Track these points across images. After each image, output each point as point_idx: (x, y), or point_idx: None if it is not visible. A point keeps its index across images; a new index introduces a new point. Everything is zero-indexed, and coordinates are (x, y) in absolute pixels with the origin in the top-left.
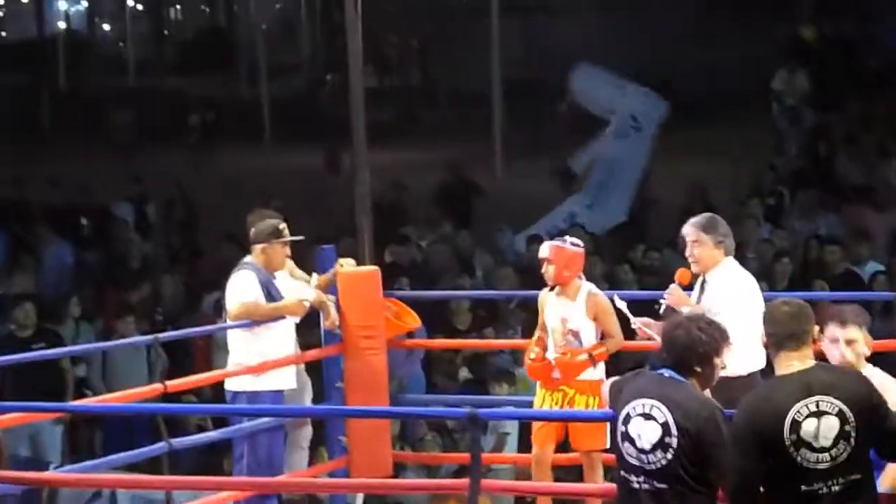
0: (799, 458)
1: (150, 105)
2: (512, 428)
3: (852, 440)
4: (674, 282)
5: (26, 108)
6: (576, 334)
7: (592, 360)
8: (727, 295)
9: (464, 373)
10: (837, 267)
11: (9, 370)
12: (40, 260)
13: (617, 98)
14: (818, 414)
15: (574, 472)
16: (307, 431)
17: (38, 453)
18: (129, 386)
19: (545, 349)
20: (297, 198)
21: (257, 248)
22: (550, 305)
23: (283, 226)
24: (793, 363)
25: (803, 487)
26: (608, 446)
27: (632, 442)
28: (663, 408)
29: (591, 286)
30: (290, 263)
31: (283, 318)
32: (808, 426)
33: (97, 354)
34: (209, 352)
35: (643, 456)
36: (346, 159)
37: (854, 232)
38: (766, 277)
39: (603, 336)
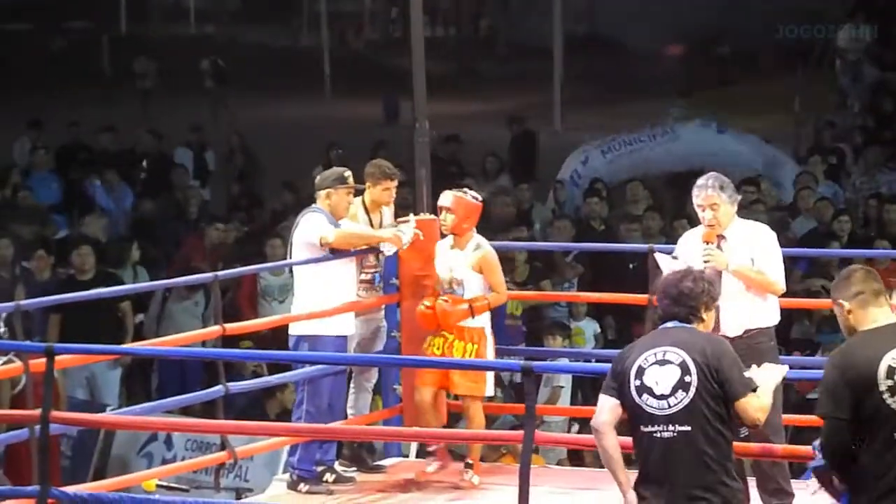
0: (893, 404)
1: (207, 53)
2: (566, 381)
3: None
4: (707, 243)
5: (87, 54)
6: (459, 283)
7: (472, 311)
8: (768, 249)
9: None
10: None
11: (69, 313)
12: (101, 204)
13: None
14: None
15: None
16: (373, 375)
17: (96, 396)
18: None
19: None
20: (356, 148)
21: (322, 194)
22: (442, 255)
23: (348, 173)
24: (880, 318)
25: (895, 435)
26: (488, 394)
27: (650, 392)
28: (678, 350)
29: (481, 239)
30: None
31: (377, 247)
32: None
33: (155, 305)
34: (255, 302)
35: (663, 401)
36: (405, 110)
37: None
38: (825, 235)
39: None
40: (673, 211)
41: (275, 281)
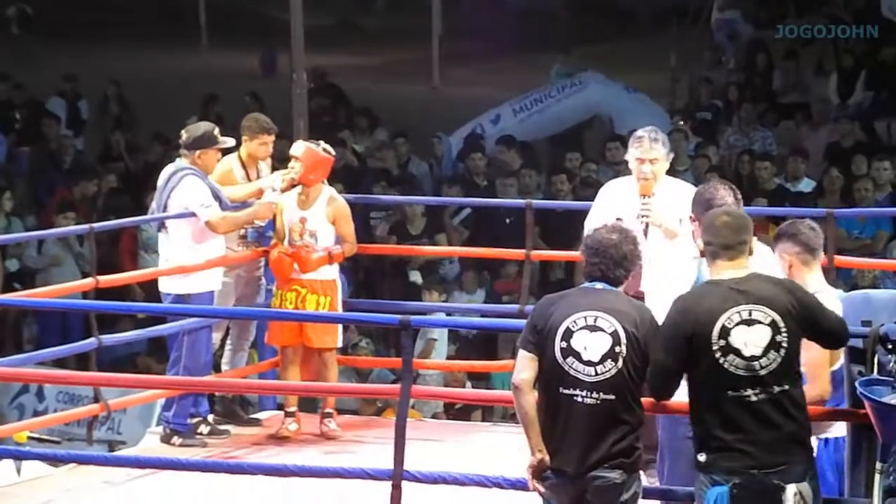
0: (726, 364)
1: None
2: (440, 334)
3: (783, 351)
4: (644, 197)
5: None
6: (313, 234)
7: (330, 258)
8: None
9: (415, 278)
10: (769, 183)
11: None
12: None
13: None
14: (749, 322)
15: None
16: (251, 334)
17: None
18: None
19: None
20: (233, 100)
21: (193, 153)
22: (289, 206)
23: (217, 130)
24: (727, 271)
25: (730, 393)
26: (340, 345)
27: (577, 356)
28: (610, 317)
29: (332, 191)
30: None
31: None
32: (738, 333)
33: (31, 251)
34: (136, 254)
35: (591, 368)
36: (282, 62)
37: (788, 148)
38: None
39: (339, 241)
40: (552, 166)
41: (156, 233)
